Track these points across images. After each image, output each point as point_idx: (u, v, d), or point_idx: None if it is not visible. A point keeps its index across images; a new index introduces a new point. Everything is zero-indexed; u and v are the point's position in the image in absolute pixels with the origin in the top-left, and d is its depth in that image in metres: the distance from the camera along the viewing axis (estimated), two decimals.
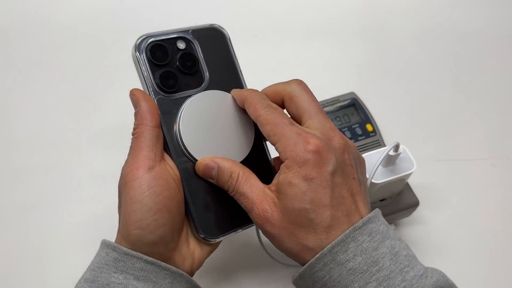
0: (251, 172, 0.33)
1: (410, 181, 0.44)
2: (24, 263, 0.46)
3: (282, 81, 0.35)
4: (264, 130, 0.32)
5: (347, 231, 0.29)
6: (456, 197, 0.51)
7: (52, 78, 0.58)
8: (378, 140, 0.47)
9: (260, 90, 0.36)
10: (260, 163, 0.36)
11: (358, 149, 0.46)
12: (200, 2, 0.65)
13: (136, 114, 0.33)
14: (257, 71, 0.60)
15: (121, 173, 0.31)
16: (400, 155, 0.38)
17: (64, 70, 0.58)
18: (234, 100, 0.36)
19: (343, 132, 0.47)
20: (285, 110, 0.34)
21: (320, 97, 0.51)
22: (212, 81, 0.36)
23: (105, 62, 0.59)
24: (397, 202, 0.43)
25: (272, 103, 0.33)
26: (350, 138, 0.47)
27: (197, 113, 0.35)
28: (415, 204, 0.44)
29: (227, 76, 0.37)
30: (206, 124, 0.35)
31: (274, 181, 0.31)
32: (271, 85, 0.36)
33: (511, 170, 0.53)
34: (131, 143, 0.32)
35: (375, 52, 0.62)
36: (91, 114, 0.55)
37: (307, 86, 0.34)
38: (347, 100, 0.49)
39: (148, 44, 0.34)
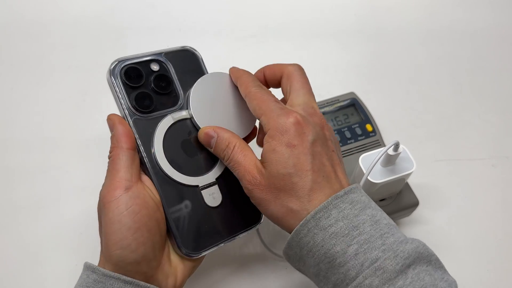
0: (246, 144, 0.35)
1: (410, 181, 0.44)
2: (24, 263, 0.46)
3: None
4: (251, 105, 0.34)
5: (329, 198, 0.31)
6: (456, 197, 0.51)
7: (52, 78, 0.58)
8: (378, 140, 0.47)
9: (264, 66, 0.39)
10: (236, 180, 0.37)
11: (358, 149, 0.46)
12: (200, 2, 0.65)
13: (112, 138, 0.34)
14: None
15: (99, 196, 0.32)
16: (400, 155, 0.38)
17: (64, 70, 0.58)
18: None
19: (343, 132, 0.47)
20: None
21: (320, 97, 0.51)
22: (187, 100, 0.37)
23: (105, 62, 0.59)
24: (397, 202, 0.43)
25: (262, 84, 0.36)
26: (350, 138, 0.47)
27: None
28: (415, 204, 0.44)
29: None
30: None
31: (261, 153, 0.33)
32: (274, 63, 0.39)
33: (511, 170, 0.53)
34: (108, 166, 0.33)
35: (375, 52, 0.62)
36: (91, 114, 0.55)
37: (305, 72, 0.37)
38: (347, 100, 0.49)
39: (122, 68, 0.35)
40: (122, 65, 0.35)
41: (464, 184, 0.52)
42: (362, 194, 0.32)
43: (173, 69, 0.37)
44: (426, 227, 0.48)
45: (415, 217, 0.49)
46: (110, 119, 0.35)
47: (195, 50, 0.39)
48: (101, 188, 0.33)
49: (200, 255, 0.35)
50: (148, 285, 0.31)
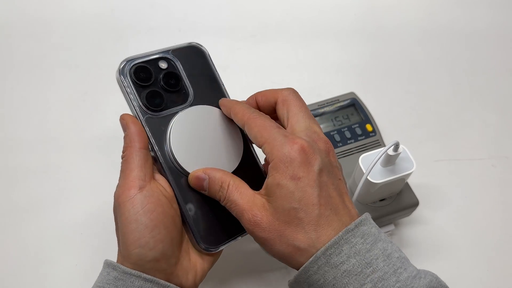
0: (241, 180, 0.33)
1: (410, 181, 0.44)
2: (24, 263, 0.46)
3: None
4: (252, 132, 0.32)
5: (340, 233, 0.29)
6: (456, 197, 0.51)
7: (52, 78, 0.58)
8: (378, 140, 0.47)
9: (255, 93, 0.37)
10: (251, 171, 0.37)
11: (358, 149, 0.46)
12: (200, 2, 0.65)
13: (125, 137, 0.34)
14: (257, 71, 0.60)
15: (114, 196, 0.32)
16: (400, 155, 0.38)
17: (64, 70, 0.58)
18: (221, 113, 0.37)
19: (343, 132, 0.47)
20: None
21: (320, 97, 0.51)
22: (197, 97, 0.37)
23: (105, 62, 0.59)
24: (397, 202, 0.43)
25: (258, 110, 0.34)
26: (350, 138, 0.47)
27: (185, 128, 0.36)
28: (415, 204, 0.44)
29: (211, 90, 0.38)
30: (195, 138, 0.36)
31: (264, 185, 0.32)
32: (265, 89, 0.36)
33: (511, 170, 0.53)
34: (121, 165, 0.33)
35: (375, 52, 0.62)
36: (91, 114, 0.55)
37: (299, 95, 0.35)
38: (347, 100, 0.49)
39: (132, 67, 0.35)
40: (131, 64, 0.35)
41: (464, 184, 0.52)
42: (372, 225, 0.31)
43: (181, 66, 0.37)
44: (426, 227, 0.48)
45: (415, 217, 0.49)
46: (123, 119, 0.34)
47: (201, 45, 0.39)
48: (114, 188, 0.33)
49: (219, 249, 0.35)
50: (168, 284, 0.31)
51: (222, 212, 0.35)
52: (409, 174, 0.39)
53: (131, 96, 0.35)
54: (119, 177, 0.33)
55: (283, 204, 0.30)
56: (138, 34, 0.62)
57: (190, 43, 0.39)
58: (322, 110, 0.48)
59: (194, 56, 0.38)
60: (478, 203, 0.50)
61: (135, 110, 0.35)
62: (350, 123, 0.48)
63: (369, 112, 0.48)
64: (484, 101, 0.58)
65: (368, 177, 0.38)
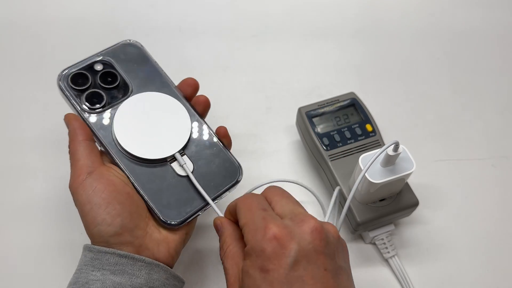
0: (239, 250, 0.30)
1: (410, 181, 0.44)
2: (24, 263, 0.46)
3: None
4: (238, 213, 0.31)
5: None
6: (456, 197, 0.51)
7: (53, 78, 0.58)
8: (378, 140, 0.47)
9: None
10: (205, 140, 0.40)
11: (358, 149, 0.46)
12: (200, 2, 0.65)
13: (68, 134, 0.37)
14: (257, 71, 0.60)
15: (69, 187, 0.35)
16: (400, 155, 0.38)
17: None
18: (162, 96, 0.40)
19: (343, 132, 0.47)
20: None
21: (320, 97, 0.51)
22: (138, 87, 0.40)
23: None
24: (397, 202, 0.43)
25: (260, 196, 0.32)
26: (350, 138, 0.46)
27: (128, 116, 0.39)
28: (415, 204, 0.44)
29: (152, 78, 0.41)
30: (138, 123, 0.39)
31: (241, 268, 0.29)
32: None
33: (511, 170, 0.53)
34: (70, 159, 0.36)
35: (375, 52, 0.62)
36: None
37: (282, 190, 0.33)
38: (347, 100, 0.49)
39: (68, 76, 0.39)
40: (68, 73, 0.39)
41: (464, 184, 0.52)
42: None
43: (116, 64, 0.41)
44: (426, 227, 0.49)
45: (415, 217, 0.49)
46: (66, 118, 0.38)
47: (133, 41, 0.43)
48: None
49: (184, 223, 0.36)
50: (144, 257, 0.33)
51: (180, 188, 0.37)
52: (409, 174, 0.39)
53: (72, 101, 0.39)
54: (70, 170, 0.35)
55: None
56: (138, 34, 0.62)
57: (122, 41, 0.43)
58: (322, 110, 0.48)
59: (129, 52, 0.42)
60: (478, 203, 0.50)
61: (78, 112, 0.38)
62: (350, 123, 0.48)
63: (369, 112, 0.48)
64: (484, 101, 0.58)
65: (368, 177, 0.38)
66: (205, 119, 0.42)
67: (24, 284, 0.44)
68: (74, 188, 0.34)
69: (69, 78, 0.39)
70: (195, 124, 0.40)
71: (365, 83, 0.59)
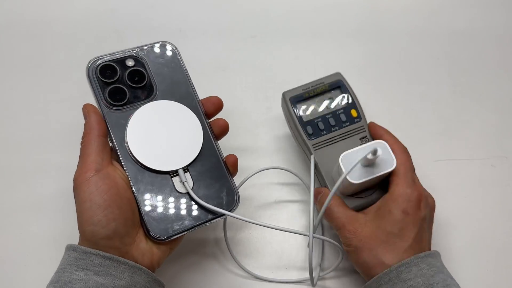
0: (342, 202, 0.42)
1: None
2: (24, 263, 0.46)
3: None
4: (397, 160, 0.40)
5: (412, 257, 0.36)
6: (456, 197, 0.51)
7: (52, 78, 0.58)
8: (363, 126, 0.45)
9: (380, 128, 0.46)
10: (211, 163, 0.39)
11: (342, 136, 0.45)
12: (200, 2, 0.65)
13: (85, 125, 0.37)
14: (257, 71, 0.60)
15: (73, 179, 0.34)
16: (381, 155, 0.38)
17: (64, 70, 0.58)
18: (180, 107, 0.40)
19: (327, 120, 0.45)
20: None
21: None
22: (162, 93, 0.40)
23: None
24: (379, 192, 0.43)
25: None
26: (334, 126, 0.45)
27: (143, 122, 0.38)
28: None
29: (177, 87, 0.41)
30: (152, 131, 0.38)
31: (374, 208, 0.41)
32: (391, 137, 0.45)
33: (510, 170, 0.53)
34: (80, 151, 0.36)
35: (375, 52, 0.62)
36: None
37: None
38: (332, 81, 0.47)
39: (98, 65, 0.38)
40: (98, 63, 0.38)
41: (464, 184, 0.52)
42: (438, 260, 0.38)
43: (148, 63, 0.40)
44: None
45: None
46: (85, 108, 0.38)
47: (170, 43, 0.42)
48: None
49: (168, 239, 0.36)
50: (127, 260, 0.33)
51: (175, 203, 0.37)
52: (389, 172, 0.40)
53: (96, 92, 0.38)
54: (78, 161, 0.35)
55: (386, 226, 0.38)
56: (138, 34, 0.62)
57: (160, 41, 0.42)
58: (306, 95, 0.46)
59: (163, 54, 0.41)
60: (478, 203, 0.51)
61: (99, 104, 0.38)
62: (335, 108, 0.46)
63: (354, 95, 0.46)
64: (484, 101, 0.58)
65: (348, 178, 0.38)
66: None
67: (37, 276, 0.44)
68: (78, 182, 0.34)
69: (98, 68, 0.38)
70: (207, 144, 0.40)
71: (365, 83, 0.59)
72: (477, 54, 0.62)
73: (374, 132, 0.45)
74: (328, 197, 0.37)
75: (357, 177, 0.38)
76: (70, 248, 0.33)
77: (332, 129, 0.45)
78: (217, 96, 0.42)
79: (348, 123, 0.45)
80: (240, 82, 0.59)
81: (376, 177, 0.39)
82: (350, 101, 0.46)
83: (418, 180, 0.42)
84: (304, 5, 0.66)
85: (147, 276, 0.34)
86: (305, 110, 0.46)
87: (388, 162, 0.39)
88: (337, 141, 0.45)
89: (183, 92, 0.41)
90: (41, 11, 0.63)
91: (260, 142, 0.54)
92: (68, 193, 0.49)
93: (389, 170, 0.39)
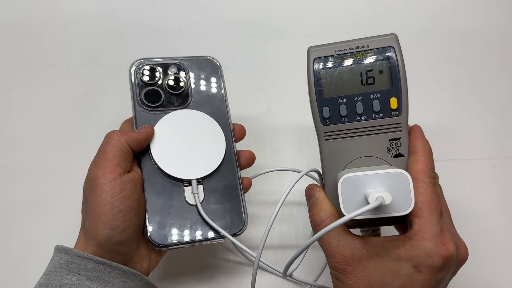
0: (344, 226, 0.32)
1: None
2: (24, 263, 0.46)
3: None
4: (419, 197, 0.30)
5: None
6: (456, 197, 0.51)
7: (52, 78, 0.58)
8: (399, 123, 0.32)
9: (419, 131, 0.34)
10: (227, 181, 0.39)
11: (367, 131, 0.34)
12: (200, 2, 0.65)
13: (121, 127, 0.38)
14: (257, 71, 0.60)
15: (90, 175, 0.34)
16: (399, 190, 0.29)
17: (64, 70, 0.58)
18: (209, 119, 0.40)
19: (354, 102, 0.34)
20: None
21: None
22: (196, 103, 0.41)
23: (105, 62, 0.59)
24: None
25: (436, 177, 0.34)
26: (361, 114, 0.34)
27: (169, 128, 0.39)
28: None
29: (212, 101, 0.41)
30: (176, 138, 0.39)
31: (379, 243, 0.30)
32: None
33: (511, 170, 0.53)
34: (103, 144, 0.35)
35: None
36: (91, 114, 0.55)
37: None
38: (380, 49, 0.34)
39: (142, 66, 0.40)
40: (143, 64, 0.40)
41: (464, 184, 0.52)
42: None
43: (189, 74, 0.41)
44: None
45: None
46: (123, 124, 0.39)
47: (215, 59, 0.43)
48: (90, 166, 0.34)
49: (165, 249, 0.36)
50: (121, 266, 0.32)
51: (181, 214, 0.37)
52: (400, 216, 0.30)
53: (134, 89, 0.39)
54: (98, 155, 0.34)
55: (386, 274, 0.29)
56: (138, 34, 0.62)
57: (205, 56, 0.43)
58: (338, 60, 0.35)
59: (206, 68, 0.42)
60: (478, 203, 0.50)
61: (133, 101, 0.39)
62: (370, 90, 0.33)
63: (404, 76, 0.33)
64: (484, 101, 0.58)
65: (342, 210, 0.30)
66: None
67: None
68: (100, 182, 0.32)
69: (142, 69, 0.40)
70: (228, 162, 0.39)
71: None
72: (478, 54, 0.62)
73: (411, 142, 0.33)
74: (326, 229, 0.29)
75: (354, 210, 0.28)
76: (61, 250, 0.32)
77: (357, 118, 0.33)
78: (244, 128, 0.42)
79: (381, 115, 0.33)
80: (240, 82, 0.59)
81: (381, 217, 0.30)
82: (395, 84, 0.33)
83: (452, 225, 0.32)
84: (304, 5, 0.66)
85: (140, 281, 0.34)
86: (330, 80, 0.34)
87: (403, 200, 0.29)
88: (358, 136, 0.33)
89: (216, 107, 0.41)
90: (41, 11, 0.63)
91: (260, 142, 0.54)
92: (68, 193, 0.50)
93: (400, 214, 0.29)
